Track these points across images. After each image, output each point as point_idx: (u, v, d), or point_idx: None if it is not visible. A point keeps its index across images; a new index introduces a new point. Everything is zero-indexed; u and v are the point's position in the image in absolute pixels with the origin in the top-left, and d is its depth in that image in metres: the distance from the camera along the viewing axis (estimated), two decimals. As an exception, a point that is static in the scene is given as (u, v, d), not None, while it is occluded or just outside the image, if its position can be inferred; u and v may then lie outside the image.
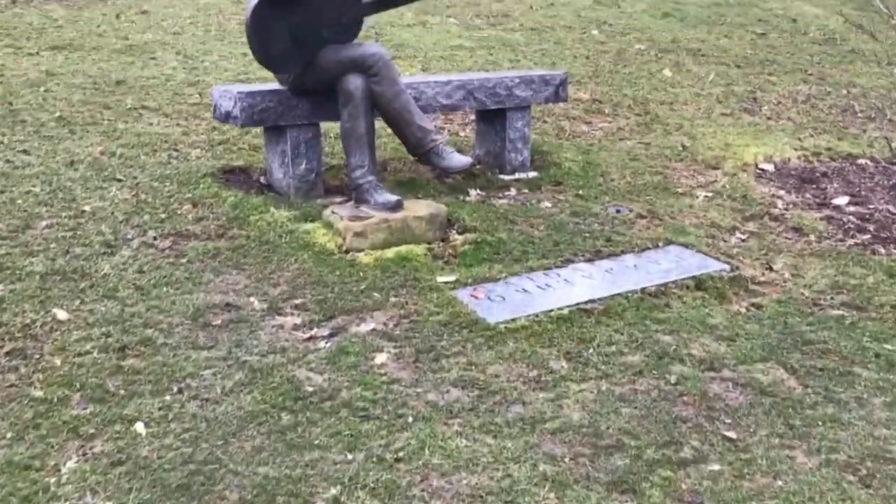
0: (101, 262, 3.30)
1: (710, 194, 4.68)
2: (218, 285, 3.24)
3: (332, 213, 3.74)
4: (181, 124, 4.97)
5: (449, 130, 5.47)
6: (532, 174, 4.80)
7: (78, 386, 2.56)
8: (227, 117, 4.05)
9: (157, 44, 6.60)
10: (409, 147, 3.92)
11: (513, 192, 4.57)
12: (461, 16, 8.36)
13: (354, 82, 3.75)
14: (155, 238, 3.54)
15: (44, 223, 3.58)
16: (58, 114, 4.90)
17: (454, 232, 3.85)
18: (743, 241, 4.14)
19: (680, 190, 4.72)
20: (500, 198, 4.45)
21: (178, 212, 3.81)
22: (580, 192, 4.56)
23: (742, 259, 3.88)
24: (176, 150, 4.58)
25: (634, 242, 3.92)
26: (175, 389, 2.59)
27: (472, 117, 5.29)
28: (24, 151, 4.33)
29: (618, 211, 4.32)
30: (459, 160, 3.83)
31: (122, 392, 2.55)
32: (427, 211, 3.76)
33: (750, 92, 6.65)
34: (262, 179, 4.34)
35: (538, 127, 5.56)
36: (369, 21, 8.17)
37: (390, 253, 3.57)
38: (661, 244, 3.95)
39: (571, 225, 4.08)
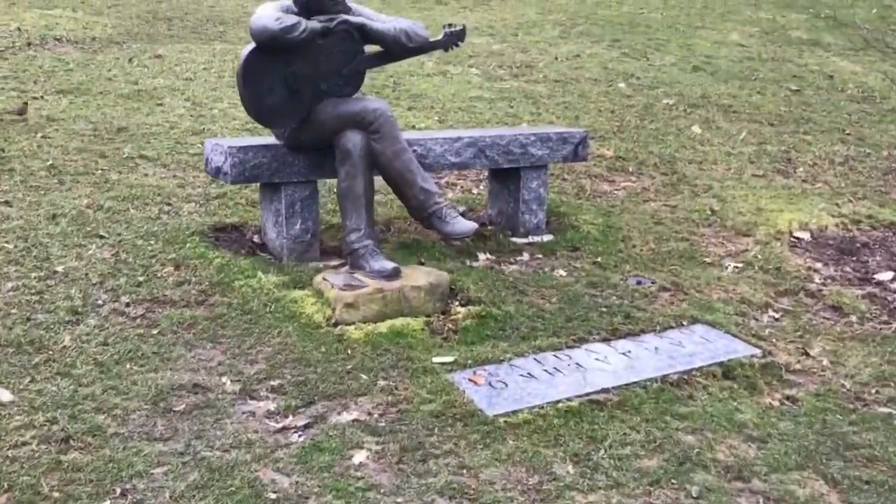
0: (63, 332, 3.00)
1: (740, 265, 4.31)
2: (188, 361, 2.92)
3: (324, 280, 3.43)
4: (178, 176, 4.72)
5: (461, 187, 5.17)
6: (547, 238, 4.46)
7: (6, 485, 2.24)
8: (217, 173, 3.78)
9: (167, 89, 6.40)
10: (411, 210, 3.62)
11: (525, 256, 4.24)
12: (483, 66, 8.13)
13: (353, 139, 3.46)
14: (128, 304, 3.25)
15: (10, 285, 3.30)
16: (50, 162, 4.67)
17: (456, 303, 3.52)
18: (776, 320, 3.75)
19: (707, 259, 4.36)
20: (511, 263, 4.12)
21: (159, 274, 3.52)
22: (599, 259, 4.22)
23: (775, 342, 3.50)
24: (168, 204, 4.31)
25: (656, 320, 3.56)
26: (118, 492, 2.26)
27: (486, 174, 4.99)
28: (6, 203, 4.08)
29: (639, 282, 3.97)
30: (463, 226, 3.51)
31: (55, 495, 2.22)
32: (426, 280, 3.43)
33: (784, 152, 6.29)
34: (255, 238, 4.05)
35: (556, 185, 5.24)
36: (388, 70, 7.98)
37: (384, 327, 3.24)
38: (685, 322, 3.58)
39: (587, 297, 3.73)
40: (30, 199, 4.14)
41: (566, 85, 7.57)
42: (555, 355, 3.19)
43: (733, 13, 10.78)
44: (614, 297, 3.76)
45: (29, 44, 7.45)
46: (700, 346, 3.36)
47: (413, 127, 6.14)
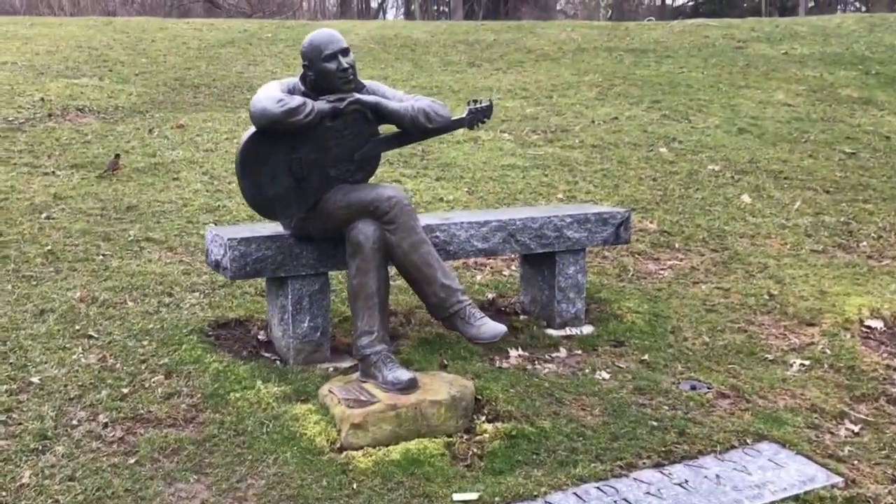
0: (24, 464, 2.59)
1: (806, 362, 3.79)
2: (166, 501, 2.49)
3: (330, 392, 3.00)
4: (184, 261, 4.36)
5: (491, 268, 4.74)
6: (587, 329, 4.00)
7: None
8: (217, 266, 3.41)
9: (185, 162, 6.12)
10: (430, 308, 3.19)
11: (562, 353, 3.78)
12: (516, 130, 7.76)
13: (364, 231, 3.07)
14: (106, 425, 2.84)
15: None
16: (49, 247, 4.35)
17: (483, 418, 3.06)
18: (855, 434, 3.23)
19: (769, 355, 3.85)
20: (545, 361, 3.66)
21: (146, 384, 3.12)
22: (646, 356, 3.74)
23: (857, 465, 2.98)
24: (170, 295, 3.94)
25: (716, 437, 3.06)
26: None
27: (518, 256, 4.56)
28: (-8, 297, 3.75)
29: (693, 387, 3.47)
30: (490, 330, 3.06)
31: None
32: (448, 392, 2.98)
33: (843, 223, 5.78)
34: (261, 336, 3.65)
35: (595, 264, 4.79)
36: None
37: (397, 452, 2.79)
38: (749, 440, 3.07)
39: (634, 408, 3.25)
40: (19, 292, 3.80)
41: (604, 150, 7.16)
42: (598, 487, 2.71)
43: (777, 71, 10.33)
44: (666, 408, 3.27)
45: (50, 115, 7.26)
46: (770, 473, 2.85)
47: (441, 199, 5.76)
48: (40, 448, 2.66)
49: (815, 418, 3.31)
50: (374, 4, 33.71)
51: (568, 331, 3.99)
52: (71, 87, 8.27)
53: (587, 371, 3.58)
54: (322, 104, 3.08)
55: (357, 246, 3.07)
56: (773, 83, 9.74)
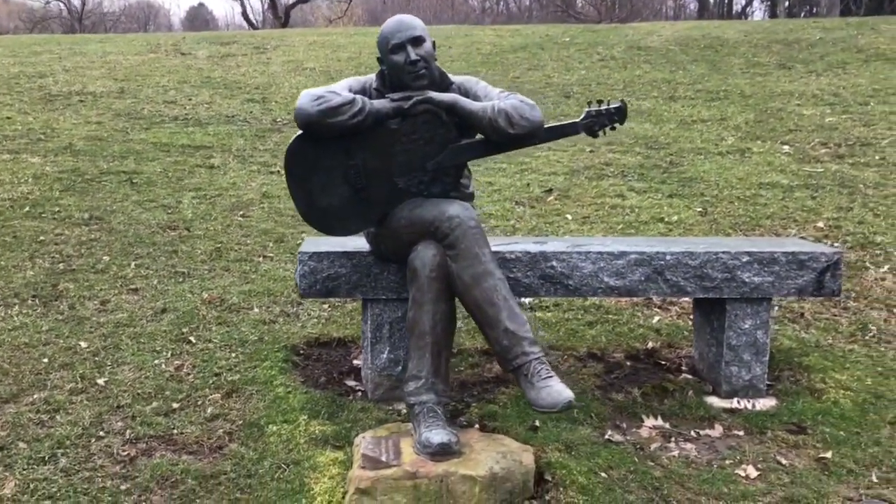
0: (17, 474, 2.48)
1: None
2: (123, 543, 2.22)
3: (363, 441, 2.52)
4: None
5: (680, 309, 3.88)
6: (765, 404, 3.04)
7: None
8: (298, 282, 3.09)
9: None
10: (495, 355, 2.56)
11: (716, 431, 2.90)
12: (801, 143, 6.50)
13: (423, 256, 2.54)
14: (129, 441, 2.66)
15: (38, 396, 2.91)
16: (218, 245, 4.40)
17: (537, 508, 2.37)
18: None
19: None
20: (686, 440, 2.83)
21: (200, 402, 2.90)
22: (829, 453, 2.71)
23: None
24: (297, 305, 3.74)
25: None
26: None
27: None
28: (134, 290, 3.82)
29: (874, 513, 2.42)
30: (550, 396, 2.35)
31: None
32: (489, 467, 2.35)
33: None
34: (356, 361, 3.28)
35: (824, 318, 3.70)
36: (667, 144, 6.70)
37: (401, 534, 2.23)
38: None
39: (766, 530, 2.32)
40: (159, 288, 3.84)
41: (908, 171, 5.69)
42: None
43: None
44: (815, 538, 2.30)
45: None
46: None
47: (661, 220, 4.93)
48: (47, 457, 2.55)
49: None
50: (737, 6, 31.61)
51: (736, 402, 3.06)
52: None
53: (730, 462, 2.67)
54: (383, 103, 2.61)
55: (413, 273, 2.56)
56: None
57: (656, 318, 3.75)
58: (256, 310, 3.68)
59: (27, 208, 4.77)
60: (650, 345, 3.46)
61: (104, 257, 4.14)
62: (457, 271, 2.51)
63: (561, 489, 2.43)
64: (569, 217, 5.01)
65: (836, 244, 4.56)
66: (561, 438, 2.71)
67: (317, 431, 2.69)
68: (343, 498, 2.36)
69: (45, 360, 3.14)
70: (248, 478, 2.50)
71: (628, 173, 5.87)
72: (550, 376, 2.40)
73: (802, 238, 4.62)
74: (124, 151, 6.15)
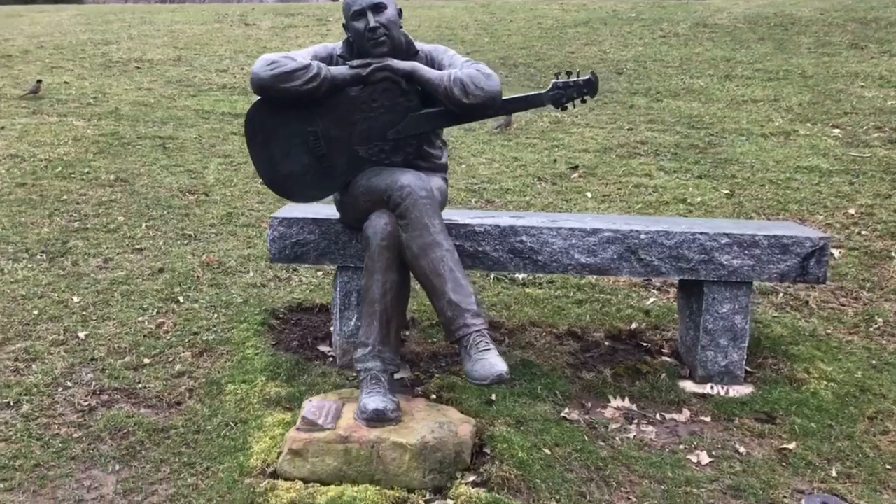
0: (-16, 414, 2.62)
1: None
2: (66, 485, 2.32)
3: (308, 404, 2.56)
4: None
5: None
6: (740, 391, 2.95)
7: None
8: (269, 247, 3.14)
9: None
10: (442, 325, 2.55)
11: (682, 416, 2.83)
12: (853, 126, 6.20)
13: (374, 224, 2.54)
14: (93, 392, 2.76)
15: (11, 348, 3.03)
16: (230, 210, 4.49)
17: (468, 480, 2.36)
18: None
19: None
20: (648, 423, 2.77)
21: (171, 359, 2.99)
22: (792, 444, 2.62)
23: None
24: (286, 269, 3.80)
25: None
26: None
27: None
28: (139, 249, 3.94)
29: (820, 508, 2.33)
30: (484, 369, 2.32)
31: None
32: (421, 436, 2.35)
33: None
34: (332, 328, 3.31)
35: (830, 307, 3.54)
36: (709, 121, 6.47)
37: (325, 496, 2.26)
38: None
39: (699, 516, 2.26)
40: (164, 249, 3.96)
41: (960, 158, 5.36)
42: None
43: None
44: (750, 528, 2.23)
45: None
46: None
47: (683, 201, 4.80)
48: (12, 403, 2.67)
49: None
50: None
51: (710, 388, 2.97)
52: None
53: (685, 448, 2.61)
54: (342, 70, 2.60)
55: (365, 241, 2.56)
56: None
57: (650, 300, 3.67)
58: (251, 273, 3.75)
59: (59, 168, 4.96)
60: (634, 326, 3.39)
61: (119, 217, 4.29)
62: (406, 241, 2.51)
63: (497, 463, 2.41)
64: (588, 195, 4.92)
65: (863, 232, 4.35)
66: (514, 413, 2.69)
67: (272, 393, 2.74)
68: (278, 458, 2.40)
69: (36, 311, 3.28)
70: (196, 433, 2.57)
71: (662, 152, 5.71)
72: (489, 349, 2.38)
73: (827, 224, 4.43)
74: (166, 117, 6.33)
